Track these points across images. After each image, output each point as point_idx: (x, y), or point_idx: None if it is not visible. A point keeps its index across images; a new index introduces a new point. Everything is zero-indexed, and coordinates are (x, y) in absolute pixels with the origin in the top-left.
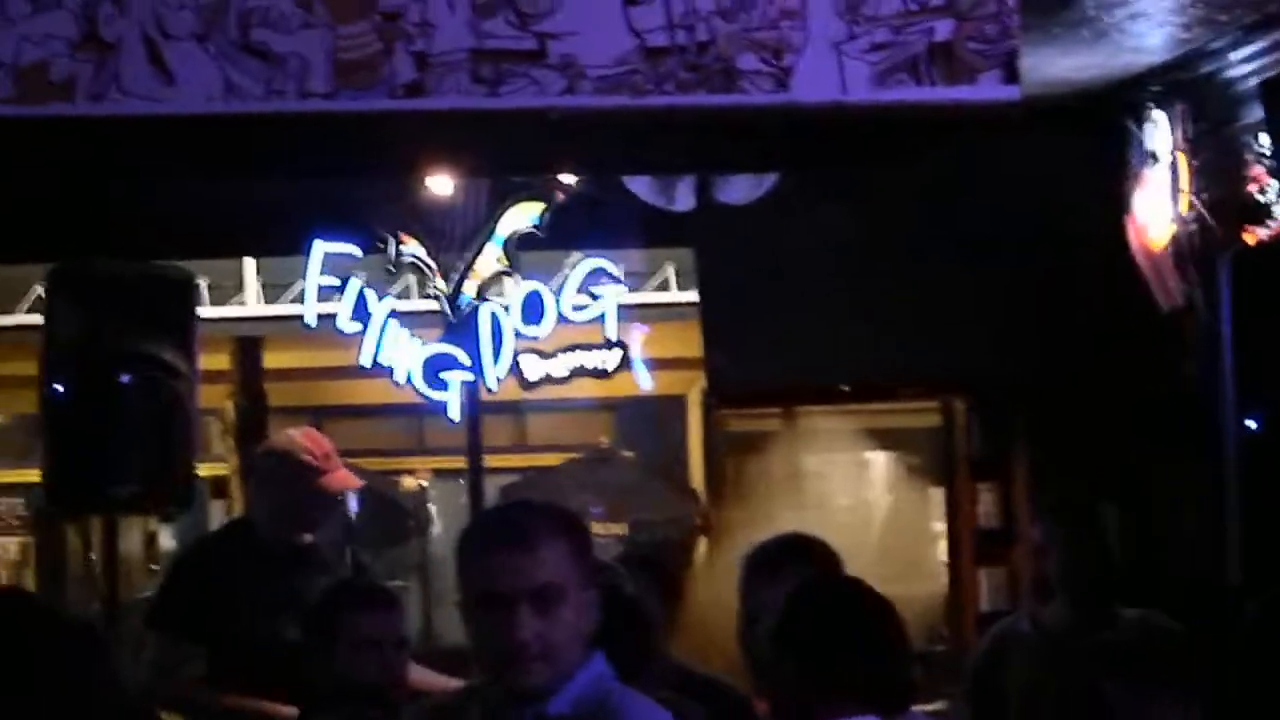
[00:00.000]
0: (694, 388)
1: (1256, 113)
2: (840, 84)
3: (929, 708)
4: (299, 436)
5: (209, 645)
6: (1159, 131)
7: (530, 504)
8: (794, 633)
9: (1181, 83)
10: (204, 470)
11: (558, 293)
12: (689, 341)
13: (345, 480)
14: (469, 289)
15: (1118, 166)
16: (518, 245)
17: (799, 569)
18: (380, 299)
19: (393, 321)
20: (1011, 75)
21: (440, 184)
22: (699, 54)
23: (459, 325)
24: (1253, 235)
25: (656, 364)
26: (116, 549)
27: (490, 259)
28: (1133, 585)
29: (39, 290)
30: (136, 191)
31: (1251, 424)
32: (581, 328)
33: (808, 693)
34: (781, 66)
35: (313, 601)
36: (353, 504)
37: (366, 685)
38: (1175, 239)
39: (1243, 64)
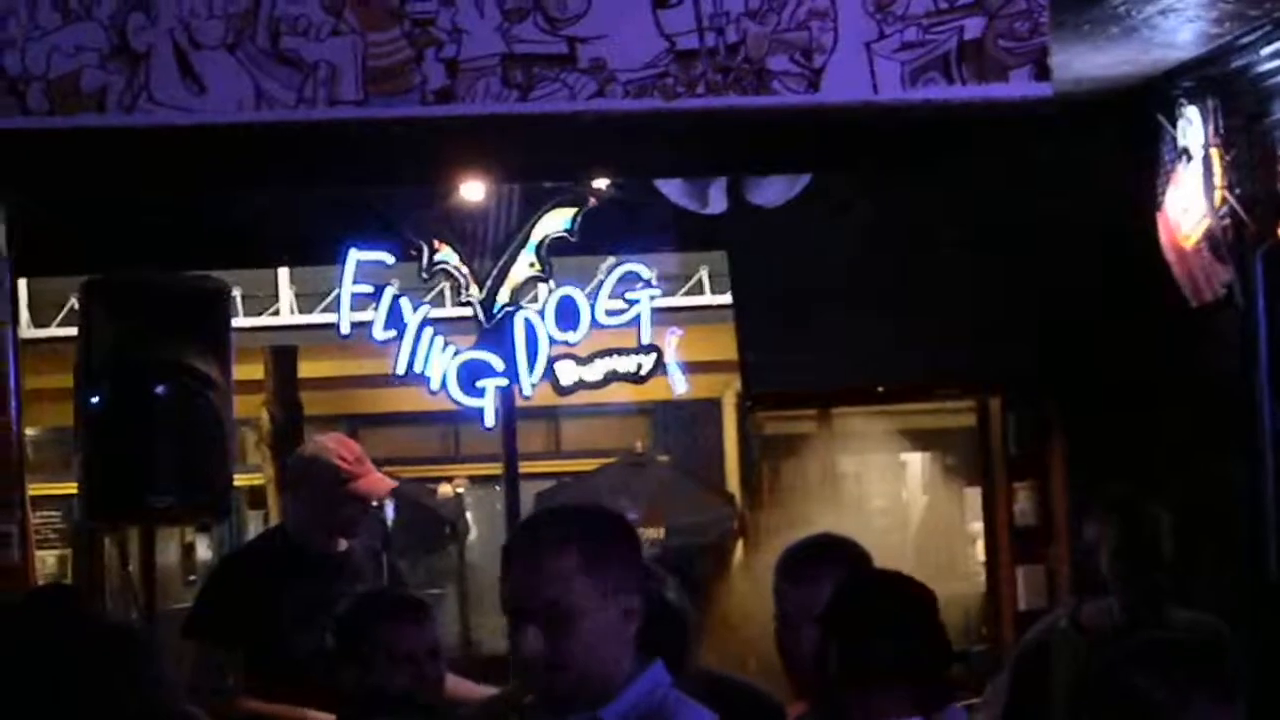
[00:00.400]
0: (729, 391)
1: None
2: (871, 84)
3: (969, 701)
4: (329, 442)
5: (246, 653)
6: (1191, 127)
7: (559, 511)
8: (840, 624)
9: (1213, 78)
10: (240, 480)
11: (591, 297)
12: (724, 345)
13: (377, 483)
14: (503, 295)
15: (1150, 162)
16: (550, 250)
17: (832, 570)
18: (414, 307)
19: (427, 329)
20: (1043, 72)
21: (472, 190)
22: (729, 56)
23: (493, 331)
24: None
25: (691, 367)
26: (154, 560)
27: (523, 265)
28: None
29: (74, 302)
30: (170, 202)
31: None
32: (616, 332)
33: (850, 685)
34: (812, 67)
35: (344, 610)
36: (389, 511)
37: (402, 694)
38: (1209, 234)
39: (1274, 58)
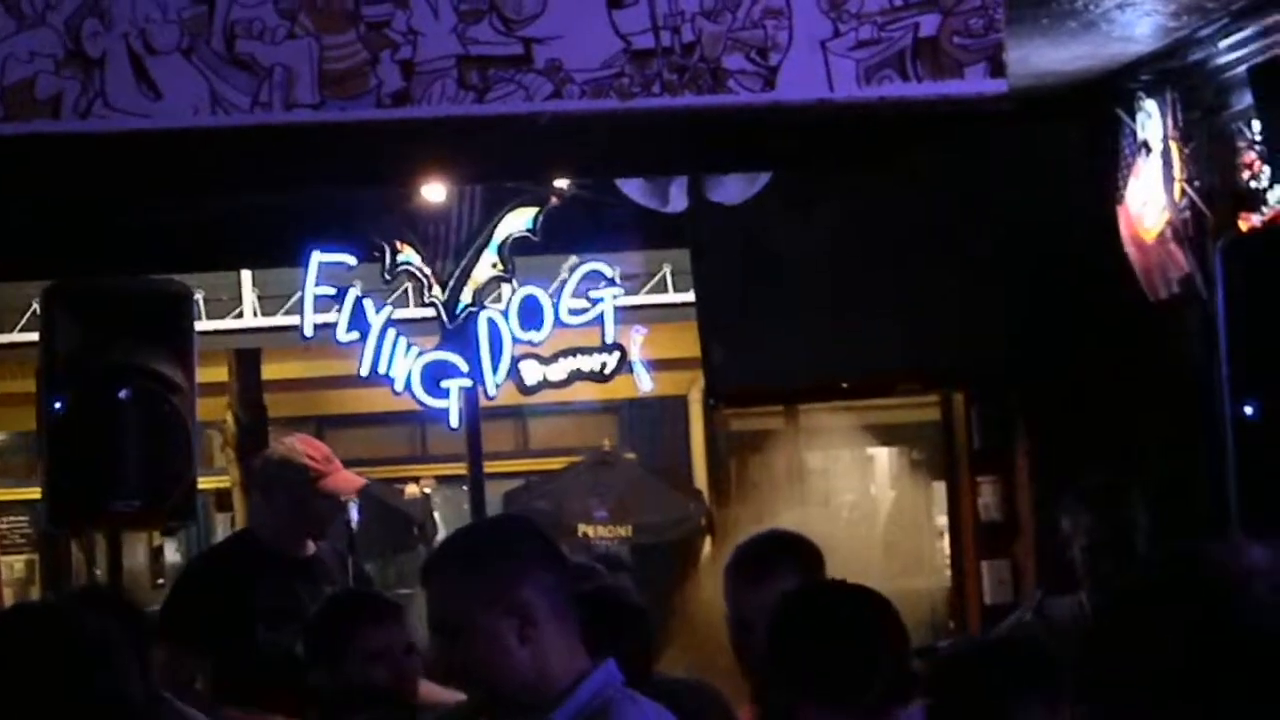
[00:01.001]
0: (695, 388)
1: (1247, 99)
2: (827, 81)
3: None
4: (296, 442)
5: (215, 656)
6: (1150, 121)
7: (476, 526)
8: (786, 638)
9: (1171, 71)
10: (206, 483)
11: (555, 297)
12: (688, 342)
13: (346, 481)
14: (466, 296)
15: (1110, 156)
16: (513, 250)
17: (783, 568)
18: (378, 308)
19: (390, 330)
20: (998, 69)
21: (434, 191)
22: (685, 55)
23: (456, 332)
24: (1247, 221)
25: (656, 365)
26: (121, 564)
27: (486, 265)
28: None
29: (36, 307)
30: (130, 207)
31: (1248, 410)
32: (579, 331)
33: (796, 697)
34: (768, 65)
35: (316, 612)
36: (354, 513)
37: (380, 691)
38: (1170, 227)
39: (1231, 50)
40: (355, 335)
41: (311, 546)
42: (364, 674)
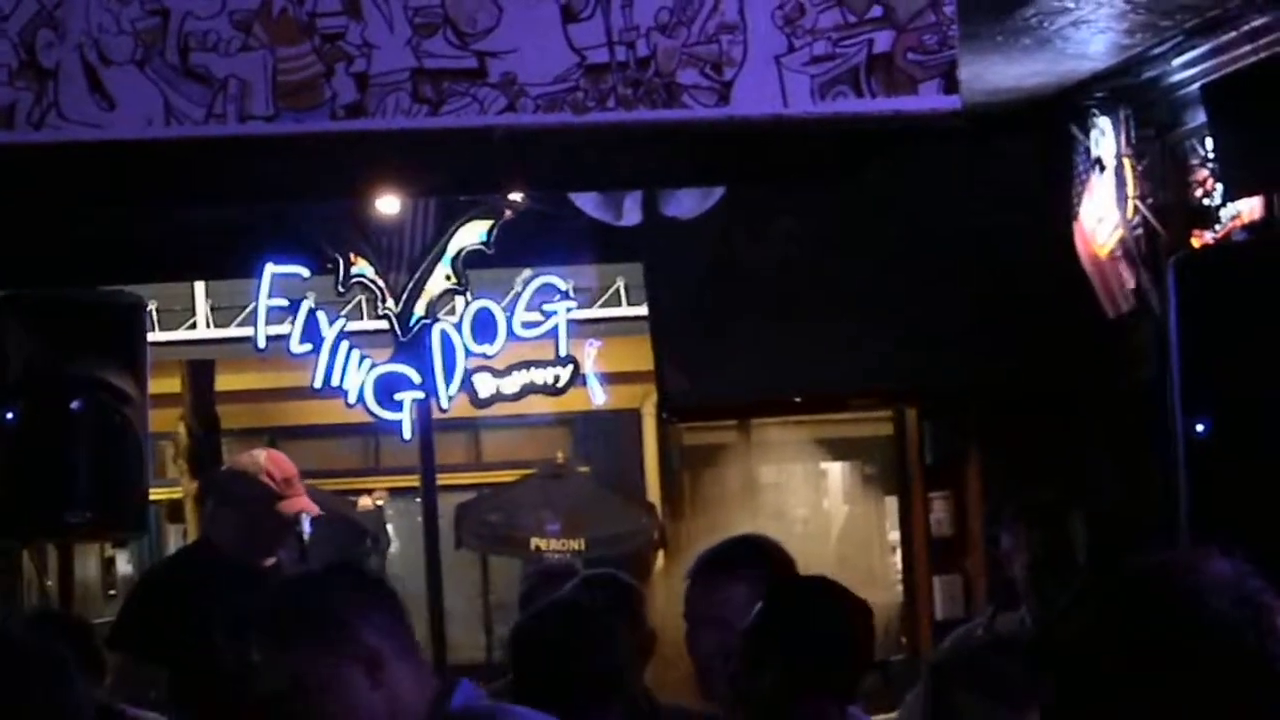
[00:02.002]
0: (648, 402)
1: (1200, 117)
2: (781, 97)
3: (887, 717)
4: (263, 459)
5: (170, 666)
6: (1104, 138)
7: (301, 583)
8: (771, 634)
9: (1125, 88)
10: (159, 494)
11: (508, 310)
12: (642, 355)
13: (302, 506)
14: (419, 308)
15: (1064, 173)
16: (467, 263)
17: (744, 572)
18: (331, 320)
19: (344, 342)
20: (951, 85)
21: (388, 204)
22: (640, 69)
23: (410, 344)
24: (1199, 239)
25: (610, 378)
26: (73, 575)
27: (440, 277)
28: None
29: None
30: (84, 218)
31: (1199, 427)
32: (533, 344)
33: (778, 692)
34: (722, 80)
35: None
36: (306, 525)
37: None
38: (1122, 243)
39: (1185, 68)
40: (308, 347)
41: (270, 559)
42: None
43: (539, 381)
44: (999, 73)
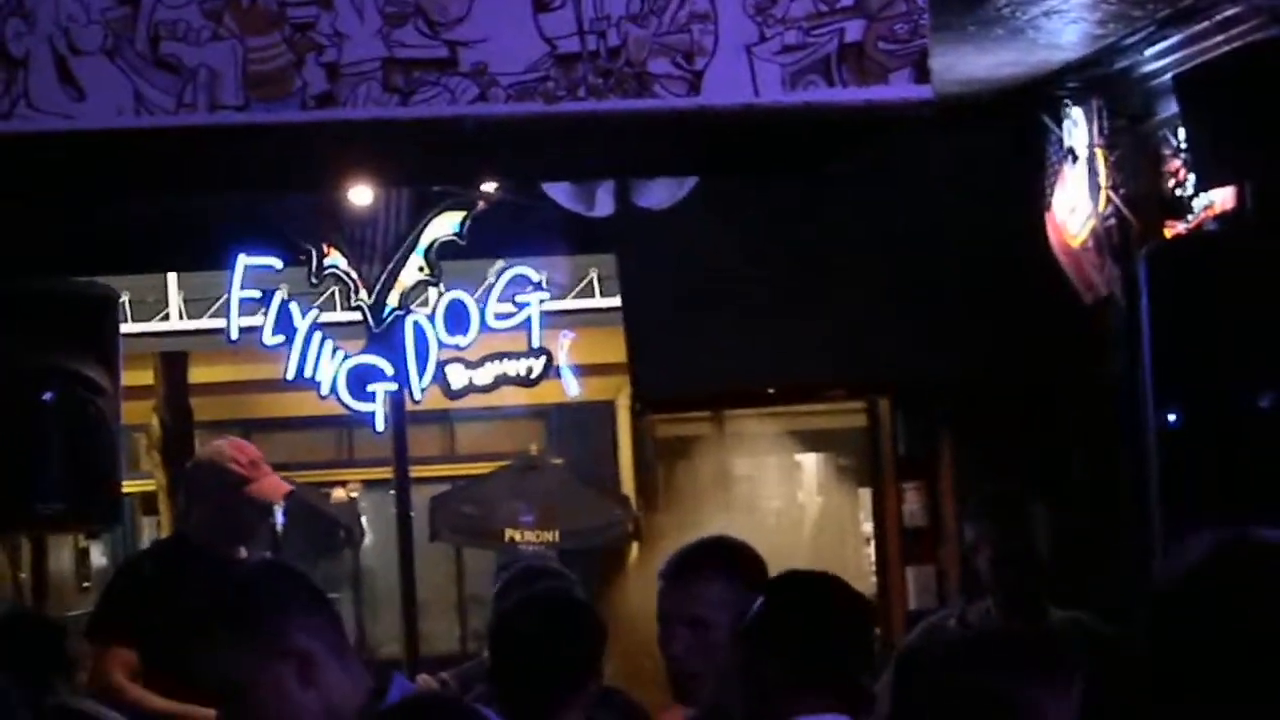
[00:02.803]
0: (622, 393)
1: (1172, 107)
2: (752, 86)
3: None
4: (226, 447)
5: (145, 658)
6: (1076, 128)
7: (234, 583)
8: (774, 627)
9: (1097, 79)
10: (132, 486)
11: (481, 301)
12: (616, 347)
13: (272, 487)
14: (392, 299)
15: (1037, 163)
16: (439, 254)
17: (716, 571)
18: (304, 312)
19: (316, 334)
20: (923, 75)
21: (361, 195)
22: (610, 59)
23: (383, 336)
24: (1171, 229)
25: (584, 370)
26: (46, 568)
27: (413, 269)
28: (1058, 583)
29: None
30: (54, 209)
31: (1171, 417)
32: (506, 336)
33: (781, 689)
34: (693, 70)
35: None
36: (280, 518)
37: None
38: (1095, 234)
39: (1157, 59)
40: (281, 338)
41: (243, 550)
42: None
43: (512, 373)
44: (971, 63)
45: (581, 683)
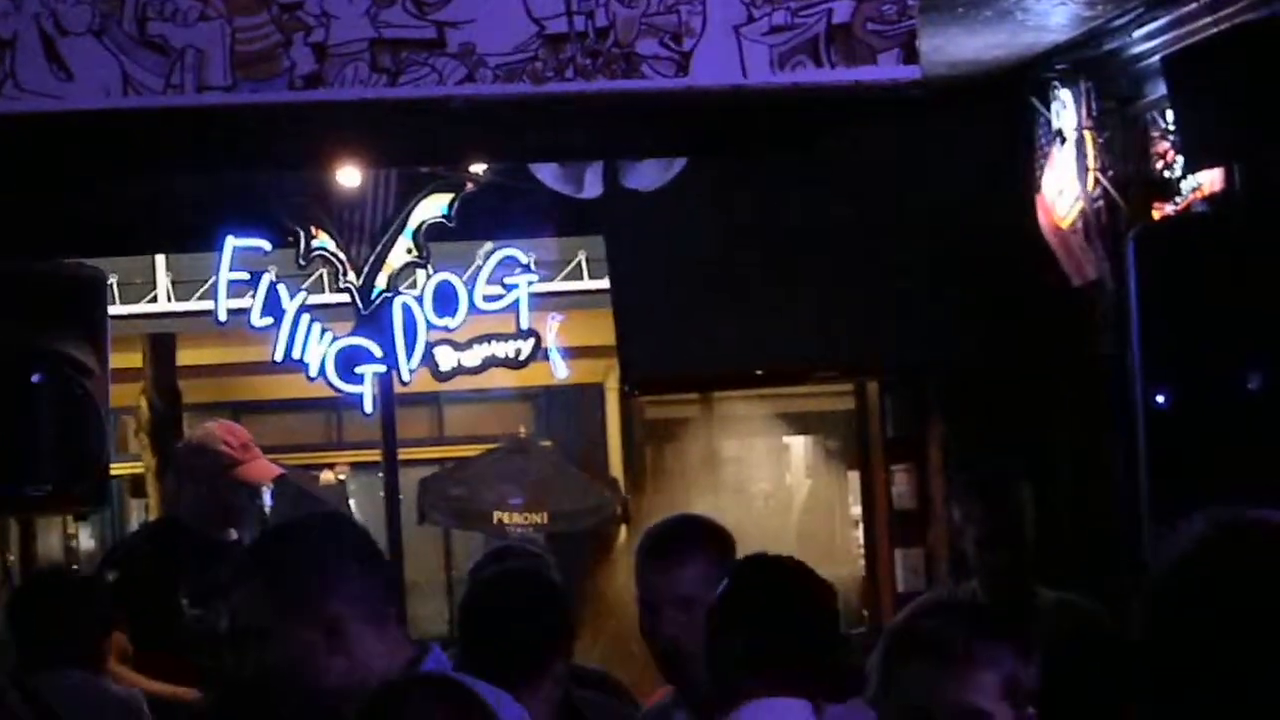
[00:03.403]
0: (611, 375)
1: (1160, 89)
2: (740, 67)
3: None
4: (216, 429)
5: (137, 639)
6: (1065, 110)
7: (285, 532)
8: (736, 608)
9: (1086, 60)
10: (120, 469)
11: (470, 283)
12: (604, 329)
13: (262, 470)
14: (380, 281)
15: (1025, 145)
16: (428, 236)
17: (693, 551)
18: (292, 294)
19: (305, 315)
20: (911, 55)
21: (349, 176)
22: (599, 39)
23: (371, 318)
24: (1160, 211)
25: (572, 352)
26: (34, 550)
27: (401, 250)
28: (1044, 562)
29: None
30: (42, 190)
31: (1160, 399)
32: (495, 318)
33: (741, 669)
34: (681, 51)
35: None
36: (268, 500)
37: None
38: (1083, 216)
39: (1146, 40)
40: (269, 320)
41: (233, 532)
42: None
43: (500, 355)
44: (960, 45)
45: (546, 661)
